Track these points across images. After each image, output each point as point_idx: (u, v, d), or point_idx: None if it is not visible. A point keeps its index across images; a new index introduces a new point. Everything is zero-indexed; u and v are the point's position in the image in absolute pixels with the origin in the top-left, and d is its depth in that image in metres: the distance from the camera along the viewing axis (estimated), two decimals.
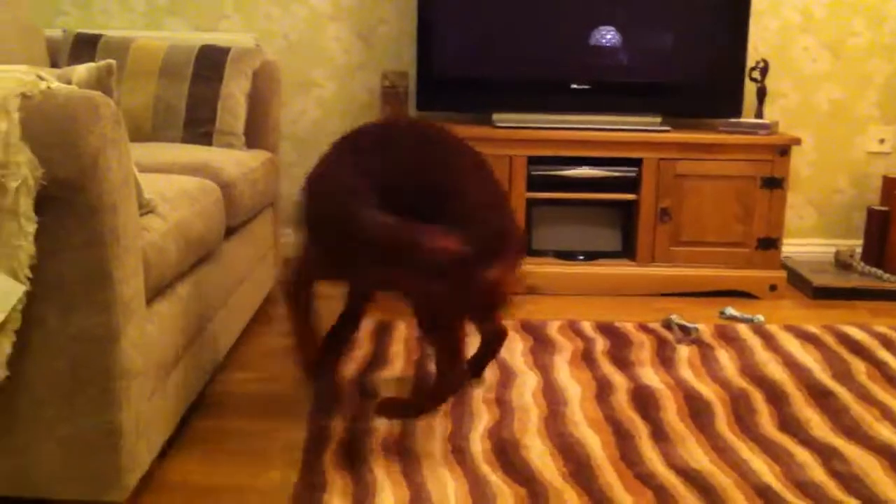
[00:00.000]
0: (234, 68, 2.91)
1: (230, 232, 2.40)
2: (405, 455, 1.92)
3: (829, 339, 2.75)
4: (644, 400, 2.26)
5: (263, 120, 3.00)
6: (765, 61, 3.42)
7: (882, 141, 3.69)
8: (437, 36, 3.29)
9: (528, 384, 2.35)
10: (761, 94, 3.45)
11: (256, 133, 2.99)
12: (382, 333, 2.70)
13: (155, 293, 1.76)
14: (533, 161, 3.23)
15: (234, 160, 2.56)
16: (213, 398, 2.23)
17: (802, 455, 1.97)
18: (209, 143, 2.83)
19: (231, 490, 1.79)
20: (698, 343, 2.69)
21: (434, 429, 2.05)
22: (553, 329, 2.79)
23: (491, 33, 3.32)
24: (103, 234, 1.49)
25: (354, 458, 1.89)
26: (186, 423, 2.06)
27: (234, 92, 2.88)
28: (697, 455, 1.96)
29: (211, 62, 2.89)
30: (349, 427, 2.04)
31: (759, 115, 3.44)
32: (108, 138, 1.49)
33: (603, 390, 2.32)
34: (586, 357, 2.56)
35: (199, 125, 2.84)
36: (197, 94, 2.85)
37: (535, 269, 3.26)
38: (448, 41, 3.30)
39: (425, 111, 3.32)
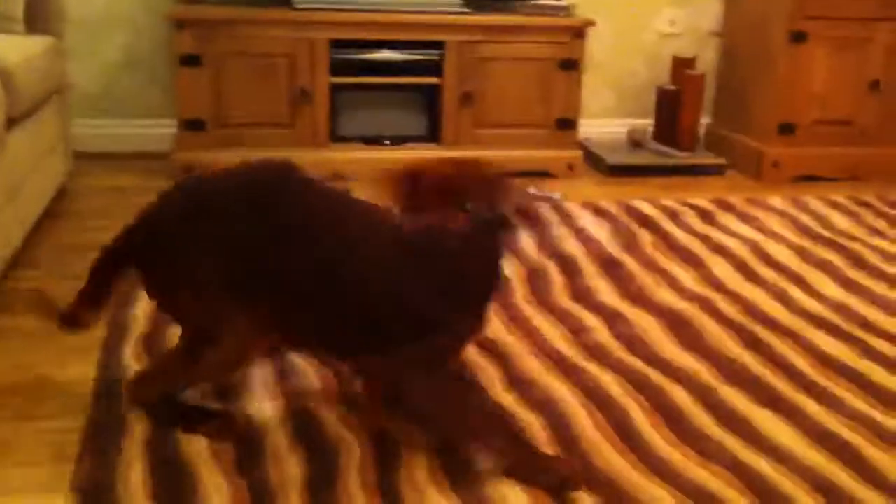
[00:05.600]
0: None
1: (12, 123, 2.26)
2: None
3: (621, 214, 2.91)
4: None
5: (45, 3, 2.81)
6: None
7: (673, 22, 3.84)
8: None
9: None
10: None
11: (39, 17, 2.79)
12: None
13: None
14: (335, 45, 3.18)
15: (13, 46, 2.40)
16: (4, 296, 2.14)
17: (591, 320, 2.11)
18: None
19: (30, 386, 1.75)
20: (560, 209, 2.95)
21: None
22: None
23: None
24: None
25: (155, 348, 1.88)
26: None
27: None
28: (495, 327, 2.05)
29: None
30: (151, 318, 2.02)
31: None
32: None
33: None
34: None
35: None
36: None
37: (341, 154, 3.26)
38: None
39: None
